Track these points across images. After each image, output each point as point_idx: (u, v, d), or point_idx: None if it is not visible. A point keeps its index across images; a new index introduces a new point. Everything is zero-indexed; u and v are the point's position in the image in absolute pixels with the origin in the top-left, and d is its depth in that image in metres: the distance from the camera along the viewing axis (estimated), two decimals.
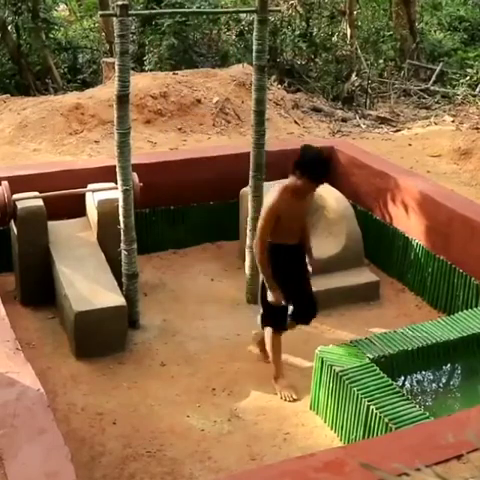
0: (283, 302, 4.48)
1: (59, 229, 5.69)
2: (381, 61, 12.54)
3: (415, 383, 4.38)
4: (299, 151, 4.36)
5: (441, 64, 12.38)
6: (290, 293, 4.53)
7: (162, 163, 6.56)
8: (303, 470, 2.95)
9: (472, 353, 4.53)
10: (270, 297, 4.44)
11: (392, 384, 4.06)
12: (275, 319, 4.62)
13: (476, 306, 5.15)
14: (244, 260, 5.83)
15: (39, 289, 5.53)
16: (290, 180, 4.34)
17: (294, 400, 4.55)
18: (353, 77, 10.97)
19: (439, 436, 3.07)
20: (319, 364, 4.33)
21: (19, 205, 5.47)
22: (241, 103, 8.68)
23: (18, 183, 5.65)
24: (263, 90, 5.43)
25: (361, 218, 6.22)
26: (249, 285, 5.78)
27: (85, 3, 15.82)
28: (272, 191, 4.45)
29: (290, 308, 4.61)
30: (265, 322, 4.68)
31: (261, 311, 4.69)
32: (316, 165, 4.28)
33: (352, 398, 4.04)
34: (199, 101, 8.53)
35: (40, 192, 5.62)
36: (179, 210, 6.65)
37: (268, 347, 4.71)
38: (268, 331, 4.67)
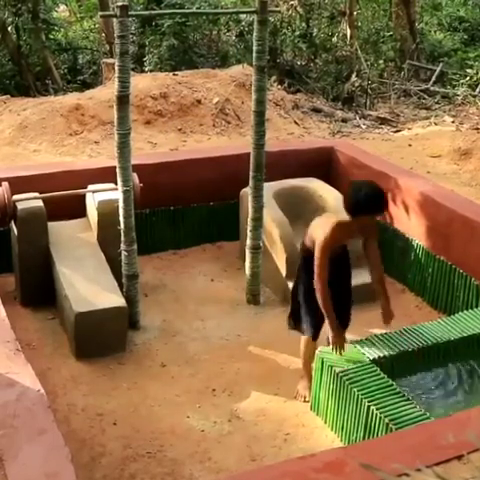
0: (342, 345, 4.31)
1: (59, 230, 5.69)
2: (381, 61, 12.54)
3: (415, 383, 4.37)
4: (349, 190, 4.24)
5: (441, 64, 12.38)
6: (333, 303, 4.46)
7: (162, 164, 6.56)
8: (303, 471, 2.94)
9: (472, 353, 4.53)
10: (331, 338, 4.31)
11: (392, 385, 4.06)
12: (312, 327, 4.56)
13: (476, 306, 5.14)
14: (244, 261, 5.83)
15: (39, 290, 5.53)
16: (344, 217, 4.20)
17: (305, 401, 4.55)
18: (353, 78, 10.96)
19: (440, 436, 3.06)
20: (319, 365, 4.33)
21: (19, 206, 5.47)
22: (241, 104, 8.69)
23: (18, 184, 5.65)
24: (263, 91, 5.43)
25: None
26: (249, 286, 5.78)
27: (85, 4, 15.81)
28: (322, 224, 4.29)
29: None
30: (297, 327, 4.65)
31: (289, 311, 4.67)
32: (373, 201, 4.14)
33: (352, 399, 4.04)
34: (199, 102, 8.54)
35: (40, 193, 5.62)
36: (179, 211, 6.65)
37: (301, 351, 4.68)
38: (304, 338, 4.64)
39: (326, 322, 4.40)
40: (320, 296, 4.23)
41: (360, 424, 3.99)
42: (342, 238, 4.32)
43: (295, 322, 4.66)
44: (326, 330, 4.65)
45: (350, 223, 4.22)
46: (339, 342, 4.28)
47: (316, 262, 4.21)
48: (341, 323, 4.56)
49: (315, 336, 4.59)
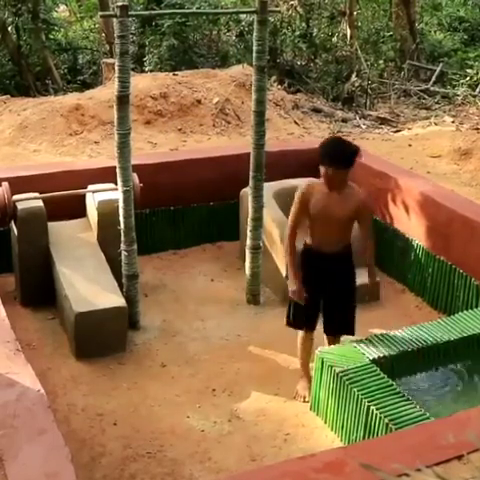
0: (298, 297, 4.35)
1: (59, 230, 5.69)
2: (381, 62, 12.54)
3: (415, 384, 4.38)
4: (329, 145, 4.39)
5: (441, 64, 12.38)
6: (321, 303, 4.45)
7: (162, 164, 6.56)
8: (303, 471, 2.94)
9: (472, 354, 4.53)
10: (289, 287, 4.36)
11: (392, 385, 4.06)
12: (298, 318, 4.53)
13: (476, 307, 5.14)
14: (244, 261, 5.83)
15: (39, 290, 5.53)
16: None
17: (305, 402, 4.54)
18: (353, 78, 10.96)
19: (439, 436, 3.07)
20: (319, 365, 4.33)
21: (19, 206, 5.47)
22: (241, 104, 8.68)
23: (18, 184, 5.65)
24: (263, 91, 5.43)
25: None
26: (249, 286, 5.78)
27: (85, 4, 15.81)
28: (300, 185, 4.45)
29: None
30: (289, 323, 4.61)
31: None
32: (327, 149, 4.25)
33: (352, 399, 4.04)
34: (199, 102, 8.54)
35: (40, 193, 5.62)
36: (179, 211, 6.65)
37: (298, 350, 4.67)
38: (299, 336, 4.63)
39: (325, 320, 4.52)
40: (285, 249, 4.39)
41: (360, 424, 3.99)
42: (321, 195, 4.28)
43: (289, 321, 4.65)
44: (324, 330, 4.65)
45: (321, 176, 4.26)
46: (296, 295, 4.34)
47: (290, 216, 4.35)
48: (339, 327, 4.57)
49: (311, 327, 4.57)
